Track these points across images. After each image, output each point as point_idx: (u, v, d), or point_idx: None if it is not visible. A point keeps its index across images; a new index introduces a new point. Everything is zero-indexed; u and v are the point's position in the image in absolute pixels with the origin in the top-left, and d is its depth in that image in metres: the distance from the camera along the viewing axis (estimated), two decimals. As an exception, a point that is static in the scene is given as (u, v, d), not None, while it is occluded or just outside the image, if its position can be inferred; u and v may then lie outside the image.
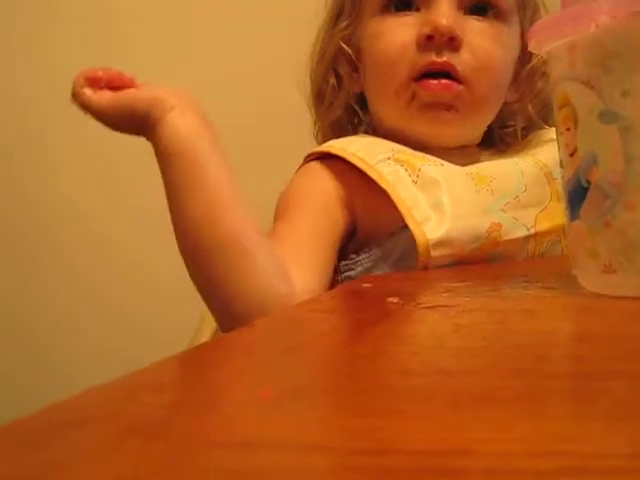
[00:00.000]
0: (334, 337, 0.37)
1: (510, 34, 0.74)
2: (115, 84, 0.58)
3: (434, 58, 0.69)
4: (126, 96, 0.58)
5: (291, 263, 0.59)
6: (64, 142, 1.34)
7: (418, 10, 0.71)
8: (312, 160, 0.73)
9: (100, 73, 0.58)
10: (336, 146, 0.71)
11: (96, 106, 0.58)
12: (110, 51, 1.26)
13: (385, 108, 0.74)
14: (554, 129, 0.75)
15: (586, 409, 0.23)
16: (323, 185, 0.69)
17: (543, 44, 0.45)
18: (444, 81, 0.69)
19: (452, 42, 0.69)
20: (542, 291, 0.47)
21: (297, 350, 0.34)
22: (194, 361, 0.33)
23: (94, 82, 0.58)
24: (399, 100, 0.71)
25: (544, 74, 0.76)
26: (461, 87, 0.70)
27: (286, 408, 0.24)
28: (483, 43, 0.70)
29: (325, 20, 0.80)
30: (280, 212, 0.68)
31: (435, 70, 0.69)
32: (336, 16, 0.78)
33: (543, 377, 0.27)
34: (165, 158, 0.57)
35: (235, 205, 0.57)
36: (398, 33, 0.71)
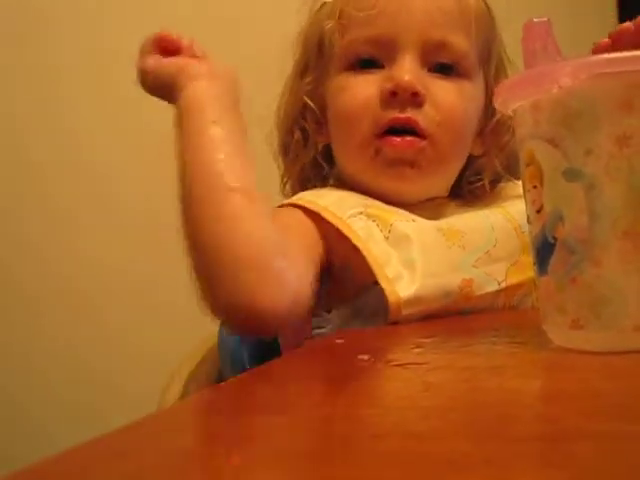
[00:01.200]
0: (306, 398, 0.37)
1: (474, 89, 0.75)
2: (169, 50, 0.63)
3: (397, 114, 0.69)
4: (165, 62, 0.62)
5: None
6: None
7: (383, 68, 0.72)
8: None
9: (162, 37, 0.63)
10: (307, 199, 0.70)
11: (140, 68, 0.63)
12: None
13: (349, 161, 0.74)
14: (521, 183, 0.76)
15: (554, 474, 0.23)
16: (303, 219, 0.68)
17: (509, 103, 0.46)
18: (407, 138, 0.70)
19: (415, 98, 0.69)
20: (511, 346, 0.47)
21: (267, 412, 0.34)
22: (161, 425, 0.33)
23: (154, 46, 0.63)
24: (363, 155, 0.71)
25: (509, 128, 0.76)
26: (424, 142, 0.70)
27: (256, 475, 0.24)
28: (446, 98, 0.71)
29: (291, 74, 0.80)
30: None
31: (398, 126, 0.70)
32: (302, 71, 0.79)
33: (511, 440, 0.27)
34: (179, 118, 0.59)
35: (245, 164, 0.57)
36: (362, 88, 0.71)
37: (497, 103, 0.47)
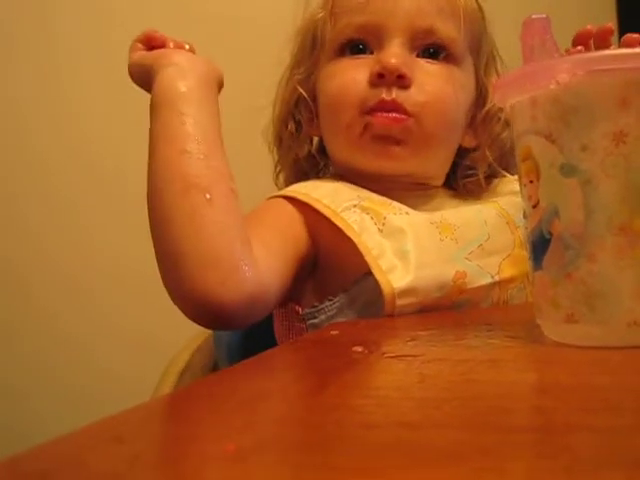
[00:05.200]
0: (299, 387, 0.37)
1: (463, 76, 0.76)
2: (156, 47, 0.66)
3: (384, 96, 0.70)
4: (146, 53, 0.65)
5: (256, 244, 0.58)
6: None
7: (372, 53, 0.73)
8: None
9: (148, 36, 0.66)
10: (301, 191, 0.71)
11: (128, 62, 0.66)
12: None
13: (337, 142, 0.75)
14: (516, 177, 0.77)
15: (547, 464, 0.23)
16: (289, 212, 0.69)
17: (507, 98, 0.46)
18: (393, 114, 0.70)
19: (401, 80, 0.70)
20: (506, 340, 0.47)
21: (262, 400, 0.34)
22: (156, 412, 0.33)
23: (144, 42, 0.66)
24: (350, 133, 0.72)
25: (499, 119, 0.78)
26: (410, 120, 0.71)
27: (249, 463, 0.24)
28: (433, 81, 0.72)
29: (288, 66, 0.82)
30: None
31: (384, 108, 0.71)
32: (296, 62, 0.80)
33: (505, 431, 0.27)
34: (151, 109, 0.60)
35: (210, 156, 0.57)
36: (350, 72, 0.73)
37: (496, 97, 0.48)
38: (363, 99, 0.71)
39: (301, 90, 0.78)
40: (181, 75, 0.60)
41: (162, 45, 0.65)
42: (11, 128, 1.36)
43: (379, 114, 0.70)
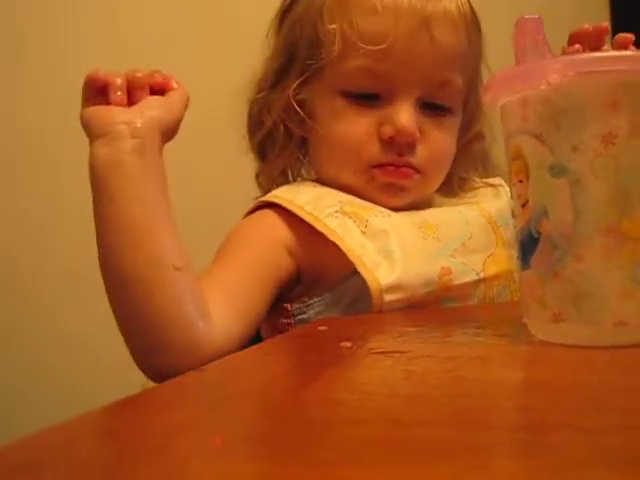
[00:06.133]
0: (286, 382, 0.37)
1: (458, 121, 0.78)
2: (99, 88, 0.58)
3: (395, 157, 0.72)
4: (86, 113, 0.58)
5: (216, 302, 0.57)
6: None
7: (379, 100, 0.72)
8: (261, 208, 0.73)
9: (91, 79, 0.58)
10: (284, 197, 0.71)
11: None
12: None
13: (341, 179, 0.74)
14: (498, 181, 0.78)
15: (533, 464, 0.23)
16: (269, 231, 0.69)
17: (498, 98, 0.46)
18: (403, 169, 0.72)
19: (411, 142, 0.72)
20: (493, 338, 0.47)
21: (249, 395, 0.34)
22: (144, 405, 0.33)
23: (89, 88, 0.58)
24: (358, 179, 0.73)
25: (481, 137, 0.81)
26: (418, 175, 0.73)
27: (237, 457, 0.24)
28: (437, 138, 0.74)
29: (272, 63, 0.78)
30: (219, 253, 0.67)
31: (394, 165, 0.72)
32: (283, 67, 0.77)
33: (491, 429, 0.27)
34: (90, 185, 0.56)
35: (144, 241, 0.54)
36: (360, 125, 0.72)
37: (486, 98, 0.48)
38: (374, 157, 0.72)
39: (295, 105, 0.75)
40: (110, 148, 0.55)
41: (105, 88, 0.58)
42: (14, 124, 1.35)
43: (388, 168, 0.72)
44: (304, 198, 0.70)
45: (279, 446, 0.26)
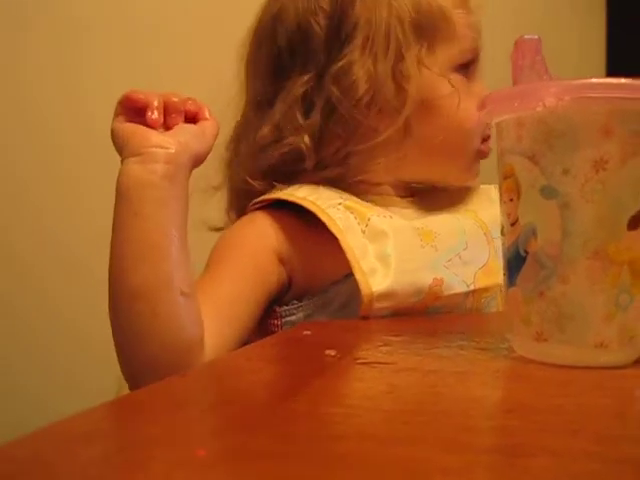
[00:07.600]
0: (269, 392, 0.37)
1: None
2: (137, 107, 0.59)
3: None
4: (121, 130, 0.58)
5: (207, 327, 0.58)
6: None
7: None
8: (257, 208, 0.72)
9: (128, 98, 0.59)
10: (285, 192, 0.70)
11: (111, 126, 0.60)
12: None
13: (432, 161, 0.75)
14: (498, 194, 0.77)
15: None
16: (261, 238, 0.69)
17: (493, 115, 0.47)
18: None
19: None
20: (476, 352, 0.48)
21: (232, 404, 0.34)
22: (127, 410, 0.33)
23: (125, 106, 0.59)
24: (467, 156, 0.75)
25: None
26: None
27: (219, 471, 0.25)
28: None
29: (280, 54, 0.74)
30: (211, 261, 0.67)
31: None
32: (318, 52, 0.71)
33: (470, 450, 0.28)
34: (115, 195, 0.57)
35: (159, 261, 0.55)
36: (472, 99, 0.72)
37: (482, 113, 0.48)
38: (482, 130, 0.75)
39: (308, 94, 0.71)
40: (143, 169, 0.56)
41: (144, 108, 0.58)
42: (19, 111, 1.34)
43: (489, 142, 0.75)
44: (304, 191, 0.70)
45: (260, 461, 0.26)
